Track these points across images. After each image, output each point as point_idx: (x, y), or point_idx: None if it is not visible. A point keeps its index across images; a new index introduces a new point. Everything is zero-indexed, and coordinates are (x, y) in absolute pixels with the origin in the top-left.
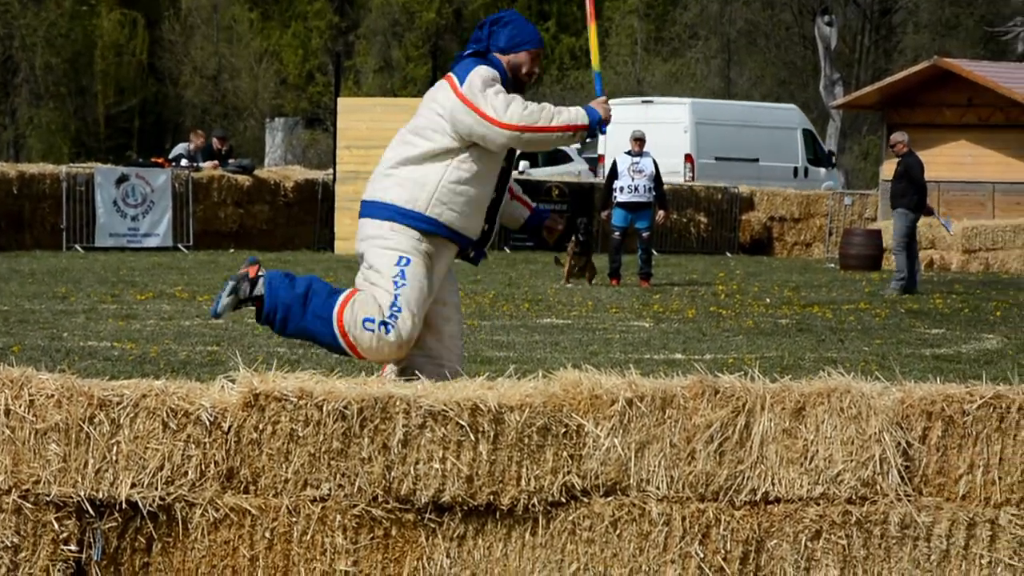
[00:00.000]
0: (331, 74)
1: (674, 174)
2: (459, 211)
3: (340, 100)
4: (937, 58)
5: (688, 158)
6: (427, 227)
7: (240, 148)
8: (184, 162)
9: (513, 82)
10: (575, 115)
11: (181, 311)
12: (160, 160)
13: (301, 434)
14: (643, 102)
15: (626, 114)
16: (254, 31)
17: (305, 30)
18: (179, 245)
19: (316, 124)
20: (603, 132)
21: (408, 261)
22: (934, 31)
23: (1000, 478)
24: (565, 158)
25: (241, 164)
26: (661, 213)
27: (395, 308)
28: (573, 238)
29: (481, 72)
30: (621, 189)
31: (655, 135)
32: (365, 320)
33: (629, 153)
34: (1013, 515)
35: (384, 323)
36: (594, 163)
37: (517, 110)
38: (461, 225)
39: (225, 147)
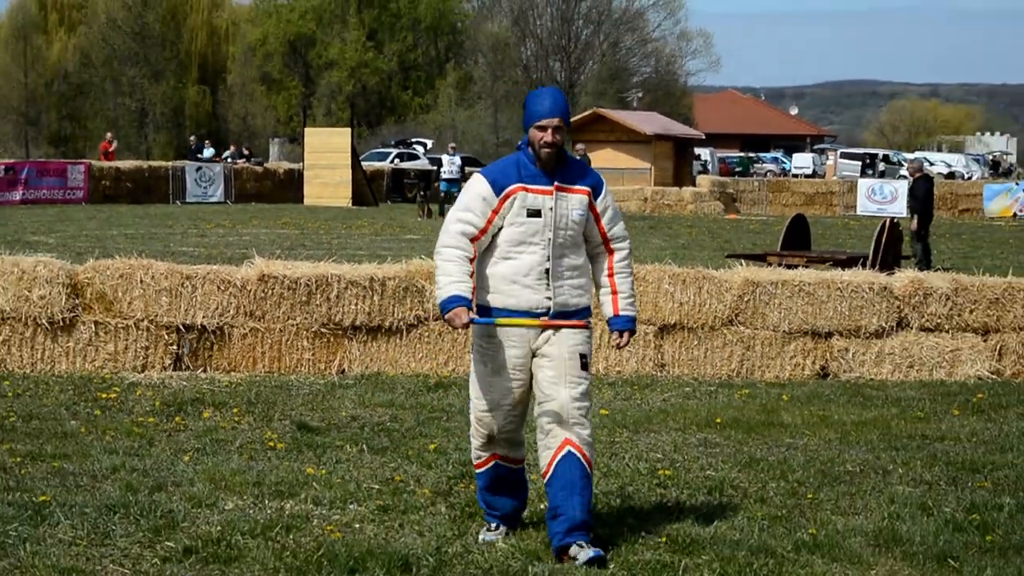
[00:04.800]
0: (300, 116)
1: None
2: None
3: (307, 129)
4: (595, 108)
5: None
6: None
7: (256, 152)
8: (229, 160)
9: (536, 154)
10: (440, 293)
11: (228, 232)
12: (217, 159)
13: (285, 295)
14: None
15: None
16: (263, 96)
17: (288, 95)
18: (227, 201)
19: (294, 141)
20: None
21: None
22: (595, 95)
23: None
24: (414, 157)
25: (257, 160)
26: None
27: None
28: (422, 193)
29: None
30: (445, 171)
31: None
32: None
33: (447, 153)
34: None
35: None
36: (436, 161)
37: (444, 234)
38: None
39: (248, 152)
